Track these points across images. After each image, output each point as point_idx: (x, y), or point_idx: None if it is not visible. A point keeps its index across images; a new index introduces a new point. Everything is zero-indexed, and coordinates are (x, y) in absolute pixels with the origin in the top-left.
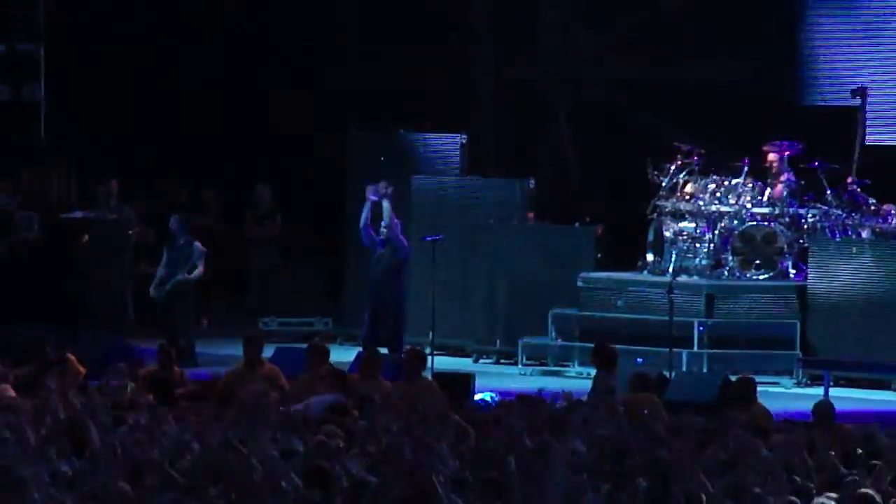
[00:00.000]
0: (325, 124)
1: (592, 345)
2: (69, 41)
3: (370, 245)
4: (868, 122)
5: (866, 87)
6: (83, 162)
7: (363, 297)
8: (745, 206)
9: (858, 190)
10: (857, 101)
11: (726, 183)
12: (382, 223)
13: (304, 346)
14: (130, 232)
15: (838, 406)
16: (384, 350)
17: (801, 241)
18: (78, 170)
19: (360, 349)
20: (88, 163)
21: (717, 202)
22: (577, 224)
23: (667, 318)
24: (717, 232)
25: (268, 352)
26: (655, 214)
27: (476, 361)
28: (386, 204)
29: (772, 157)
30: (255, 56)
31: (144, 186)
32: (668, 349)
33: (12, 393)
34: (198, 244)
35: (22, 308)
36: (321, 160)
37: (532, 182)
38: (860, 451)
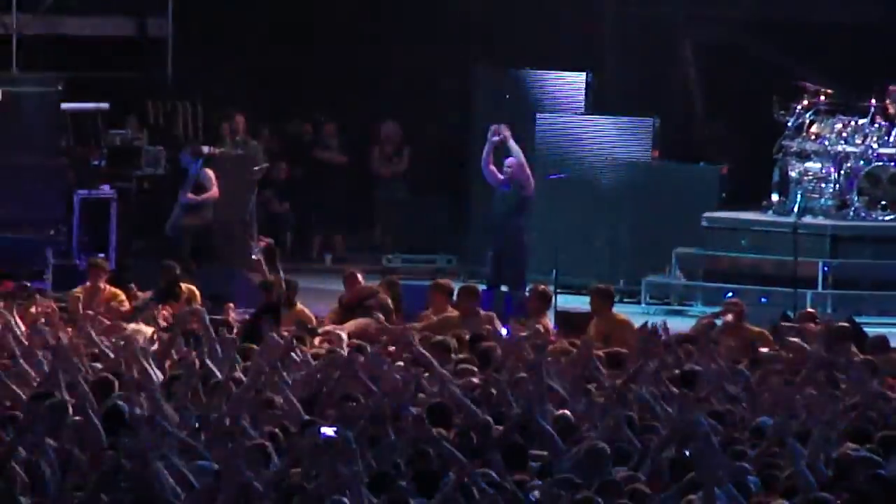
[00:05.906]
0: (449, 60)
1: (716, 284)
2: None
3: (494, 183)
4: None
5: None
6: (210, 97)
7: (487, 235)
8: (871, 147)
9: None
10: None
11: (853, 123)
12: (506, 161)
13: (427, 283)
14: (256, 168)
15: None
16: (506, 288)
17: None
18: (204, 105)
19: (485, 287)
20: (215, 98)
21: (843, 142)
22: (702, 163)
23: (791, 258)
24: (842, 172)
25: None
26: (781, 154)
27: None
28: (513, 144)
29: None
30: None
31: (270, 122)
32: (792, 290)
33: (147, 331)
34: (206, 170)
35: (148, 242)
36: (446, 96)
37: (657, 120)
38: None
